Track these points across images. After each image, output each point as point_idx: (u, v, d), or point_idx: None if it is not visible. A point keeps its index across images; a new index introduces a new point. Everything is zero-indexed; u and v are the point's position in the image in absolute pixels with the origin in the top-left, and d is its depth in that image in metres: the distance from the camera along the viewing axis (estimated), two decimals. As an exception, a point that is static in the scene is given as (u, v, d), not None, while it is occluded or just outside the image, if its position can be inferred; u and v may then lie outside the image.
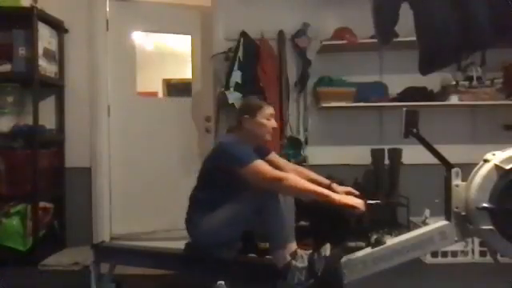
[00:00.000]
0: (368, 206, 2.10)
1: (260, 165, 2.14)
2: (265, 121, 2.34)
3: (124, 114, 3.82)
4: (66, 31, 3.68)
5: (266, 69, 3.57)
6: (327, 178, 3.46)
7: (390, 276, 2.17)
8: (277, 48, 3.65)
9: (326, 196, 2.05)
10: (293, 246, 2.22)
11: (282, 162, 2.56)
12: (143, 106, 3.95)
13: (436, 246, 2.11)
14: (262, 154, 2.41)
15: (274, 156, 2.54)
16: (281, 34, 3.65)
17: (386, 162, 3.50)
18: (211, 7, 3.81)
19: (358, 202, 2.07)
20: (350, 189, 2.41)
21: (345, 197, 2.14)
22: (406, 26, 2.22)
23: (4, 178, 3.29)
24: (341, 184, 3.48)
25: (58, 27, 3.61)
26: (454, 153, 2.29)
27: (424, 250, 2.11)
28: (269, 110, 2.37)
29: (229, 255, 2.29)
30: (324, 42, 3.53)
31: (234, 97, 3.49)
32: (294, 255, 2.19)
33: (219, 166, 2.23)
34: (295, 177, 2.15)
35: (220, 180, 2.24)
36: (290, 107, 3.66)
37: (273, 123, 2.37)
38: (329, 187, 2.34)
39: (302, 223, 3.37)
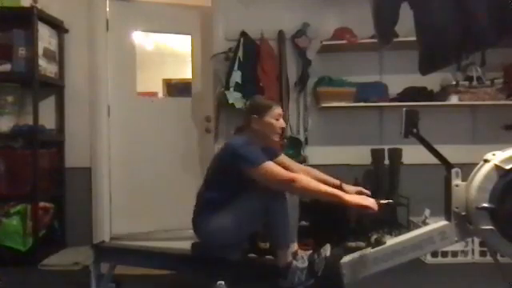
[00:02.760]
0: (380, 205, 2.08)
1: (271, 166, 2.13)
2: (273, 121, 2.32)
3: (124, 114, 3.82)
4: (66, 31, 3.68)
5: (266, 69, 3.57)
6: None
7: (390, 276, 2.17)
8: (277, 48, 3.65)
9: (338, 197, 2.03)
10: (295, 245, 2.23)
11: (290, 162, 2.55)
12: (143, 106, 3.95)
13: (436, 246, 2.11)
14: (271, 154, 2.39)
15: (282, 157, 2.53)
16: (281, 33, 3.65)
17: (386, 162, 3.50)
18: (211, 7, 3.81)
19: (371, 202, 2.05)
20: (360, 188, 2.40)
21: (357, 197, 2.13)
22: (405, 26, 2.23)
23: (4, 178, 3.30)
24: (341, 184, 3.50)
25: (58, 27, 3.61)
26: (454, 153, 2.30)
27: (424, 250, 2.11)
28: (278, 109, 2.35)
29: (235, 256, 2.29)
30: (324, 42, 3.53)
31: (234, 97, 3.49)
32: (294, 255, 2.19)
33: (228, 166, 2.21)
34: (306, 178, 2.14)
35: (229, 181, 2.22)
36: (290, 107, 3.66)
37: (281, 123, 2.35)
38: (339, 187, 2.33)
39: (303, 223, 3.38)
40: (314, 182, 2.13)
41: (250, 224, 2.23)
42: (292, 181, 2.07)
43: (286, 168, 2.33)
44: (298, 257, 2.18)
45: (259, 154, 2.19)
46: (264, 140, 2.35)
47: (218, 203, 2.22)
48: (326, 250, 2.19)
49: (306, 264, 2.14)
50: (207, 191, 2.31)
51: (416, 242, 2.07)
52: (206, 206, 2.28)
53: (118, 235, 3.71)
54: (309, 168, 2.67)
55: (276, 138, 2.37)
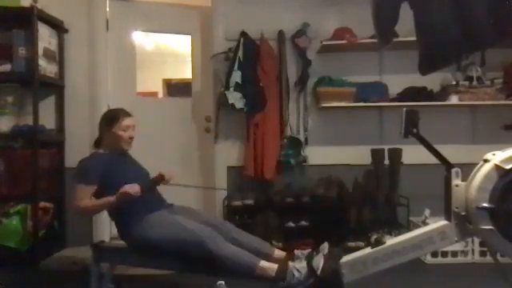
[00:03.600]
0: (142, 189, 2.34)
1: (79, 189, 2.39)
2: (121, 132, 2.52)
3: (124, 113, 3.81)
4: (66, 31, 3.68)
5: (266, 69, 3.57)
6: (327, 177, 3.51)
7: (390, 276, 2.17)
8: (277, 48, 3.65)
9: (108, 201, 2.36)
10: (275, 254, 2.31)
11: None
12: (143, 106, 3.94)
13: (436, 245, 2.11)
14: (136, 172, 2.62)
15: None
16: (281, 34, 3.65)
17: (386, 162, 3.50)
18: (211, 7, 3.81)
19: (132, 189, 2.29)
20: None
21: (119, 192, 2.32)
22: (405, 26, 2.22)
23: (4, 178, 3.30)
24: (341, 184, 3.52)
25: (58, 27, 3.61)
26: (454, 153, 2.30)
27: (424, 250, 2.11)
28: (126, 121, 2.54)
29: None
30: (324, 42, 3.53)
31: (234, 97, 3.49)
32: (290, 256, 2.20)
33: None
34: (85, 201, 2.39)
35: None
36: (290, 107, 3.66)
37: (129, 133, 2.56)
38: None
39: (303, 223, 3.38)
40: (90, 201, 2.41)
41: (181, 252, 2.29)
42: (77, 206, 2.39)
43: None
44: (296, 256, 2.19)
45: (85, 173, 2.43)
46: (116, 150, 2.56)
47: (119, 212, 2.47)
48: (324, 249, 2.19)
49: (303, 263, 2.15)
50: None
51: (416, 242, 2.07)
52: (117, 218, 2.56)
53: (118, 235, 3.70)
54: None
55: (127, 148, 2.61)
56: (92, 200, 2.42)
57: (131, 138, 2.58)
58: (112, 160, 2.50)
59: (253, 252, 2.25)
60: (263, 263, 2.18)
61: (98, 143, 2.62)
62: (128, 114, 2.58)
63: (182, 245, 2.23)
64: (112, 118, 2.54)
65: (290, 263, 2.16)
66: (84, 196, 2.39)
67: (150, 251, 2.34)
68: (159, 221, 2.36)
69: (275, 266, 2.16)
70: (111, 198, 2.34)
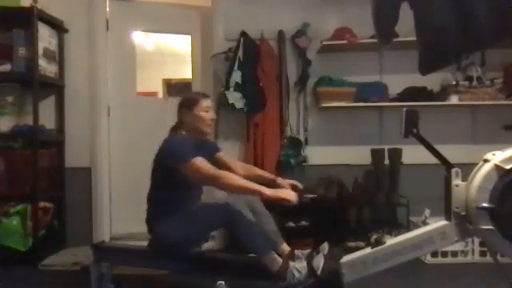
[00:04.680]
0: (300, 197, 2.22)
1: (197, 162, 2.17)
2: (203, 113, 2.39)
3: (124, 114, 3.82)
4: (66, 31, 3.68)
5: (266, 69, 3.57)
6: (327, 177, 3.50)
7: (390, 276, 2.17)
8: (277, 48, 3.65)
9: (259, 192, 2.11)
10: (282, 248, 2.30)
11: (229, 160, 2.62)
12: (143, 106, 3.95)
13: (436, 245, 2.11)
14: (209, 150, 2.48)
15: (222, 154, 2.60)
16: (281, 34, 3.65)
17: (386, 162, 3.50)
18: (211, 7, 3.81)
19: (290, 195, 2.12)
20: (293, 182, 2.50)
21: (276, 190, 2.19)
22: (406, 26, 2.22)
23: (4, 178, 3.30)
24: (341, 184, 3.52)
25: (58, 27, 3.61)
26: (454, 153, 2.30)
27: (424, 250, 2.11)
28: (205, 102, 2.42)
29: (192, 251, 2.39)
30: (324, 42, 3.53)
31: (234, 97, 3.49)
32: (291, 256, 2.20)
33: (164, 164, 2.29)
34: (232, 175, 2.21)
35: (169, 178, 2.29)
36: (290, 107, 3.66)
37: (210, 115, 2.43)
38: (273, 181, 2.45)
39: (303, 223, 3.38)
40: (238, 178, 2.18)
41: (205, 232, 2.34)
42: (217, 178, 2.14)
43: (225, 165, 2.45)
44: (296, 256, 2.19)
45: (187, 149, 2.24)
46: (197, 133, 2.41)
47: (167, 203, 2.31)
48: (324, 249, 2.19)
49: (303, 263, 2.15)
50: (155, 191, 2.40)
51: (416, 242, 2.07)
52: (157, 207, 2.37)
53: (117, 235, 3.71)
54: (248, 165, 2.76)
55: (208, 130, 2.45)
56: (230, 174, 2.21)
57: (212, 120, 2.47)
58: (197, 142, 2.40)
59: (267, 239, 2.27)
60: (272, 254, 2.18)
61: (176, 128, 2.49)
62: (205, 96, 2.49)
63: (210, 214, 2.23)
64: (192, 99, 2.45)
65: (291, 263, 2.16)
66: (210, 168, 2.18)
67: (174, 244, 2.30)
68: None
69: (280, 262, 2.16)
70: (262, 190, 2.11)
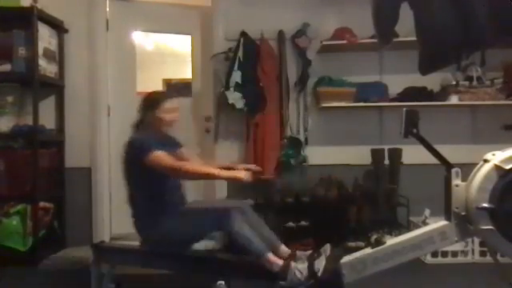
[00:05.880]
0: (254, 175, 2.31)
1: (159, 154, 2.26)
2: (163, 115, 2.42)
3: (124, 114, 3.80)
4: (66, 31, 3.68)
5: (266, 69, 3.57)
6: (327, 178, 3.51)
7: (390, 276, 2.17)
8: (277, 48, 3.65)
9: (213, 174, 2.28)
10: (281, 249, 2.30)
11: (189, 156, 2.67)
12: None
13: (436, 246, 2.11)
14: (172, 146, 2.52)
15: (184, 150, 2.65)
16: (281, 34, 3.65)
17: (386, 162, 3.50)
18: (211, 7, 3.81)
19: (242, 173, 2.21)
20: (249, 166, 2.58)
21: (230, 171, 2.32)
22: (405, 26, 2.22)
23: (4, 178, 3.30)
24: (341, 184, 3.52)
25: (58, 27, 3.61)
26: (454, 153, 2.30)
27: (424, 250, 2.11)
28: (169, 103, 2.43)
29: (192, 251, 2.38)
30: (324, 42, 3.53)
31: (233, 97, 3.49)
32: (292, 256, 2.20)
33: (135, 161, 2.31)
34: (189, 163, 2.39)
35: (143, 174, 2.31)
36: (290, 107, 3.66)
37: (174, 116, 2.45)
38: (230, 168, 2.50)
39: (303, 223, 3.38)
40: (196, 165, 2.38)
41: (198, 236, 2.34)
42: (176, 168, 2.25)
43: (184, 160, 2.50)
44: (297, 257, 2.19)
45: (150, 142, 2.30)
46: (157, 132, 2.43)
47: (151, 201, 2.35)
48: (326, 250, 2.19)
49: (305, 264, 2.15)
50: (134, 192, 2.40)
51: (416, 242, 2.07)
52: (140, 207, 2.38)
53: (117, 235, 3.70)
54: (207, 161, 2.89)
55: (168, 130, 2.49)
56: (188, 163, 2.39)
57: (175, 121, 2.49)
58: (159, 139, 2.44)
59: (263, 241, 2.27)
60: (271, 256, 2.19)
61: (137, 126, 2.51)
62: (172, 96, 2.52)
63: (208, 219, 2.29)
64: (155, 100, 2.46)
65: (292, 263, 2.16)
66: (170, 159, 2.28)
67: (167, 244, 2.32)
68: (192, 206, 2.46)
69: (280, 263, 2.16)
70: (217, 172, 2.28)
